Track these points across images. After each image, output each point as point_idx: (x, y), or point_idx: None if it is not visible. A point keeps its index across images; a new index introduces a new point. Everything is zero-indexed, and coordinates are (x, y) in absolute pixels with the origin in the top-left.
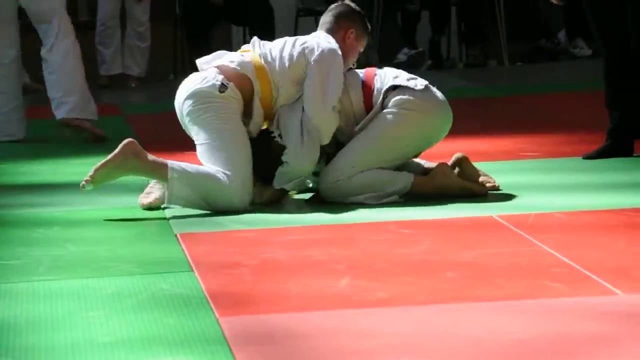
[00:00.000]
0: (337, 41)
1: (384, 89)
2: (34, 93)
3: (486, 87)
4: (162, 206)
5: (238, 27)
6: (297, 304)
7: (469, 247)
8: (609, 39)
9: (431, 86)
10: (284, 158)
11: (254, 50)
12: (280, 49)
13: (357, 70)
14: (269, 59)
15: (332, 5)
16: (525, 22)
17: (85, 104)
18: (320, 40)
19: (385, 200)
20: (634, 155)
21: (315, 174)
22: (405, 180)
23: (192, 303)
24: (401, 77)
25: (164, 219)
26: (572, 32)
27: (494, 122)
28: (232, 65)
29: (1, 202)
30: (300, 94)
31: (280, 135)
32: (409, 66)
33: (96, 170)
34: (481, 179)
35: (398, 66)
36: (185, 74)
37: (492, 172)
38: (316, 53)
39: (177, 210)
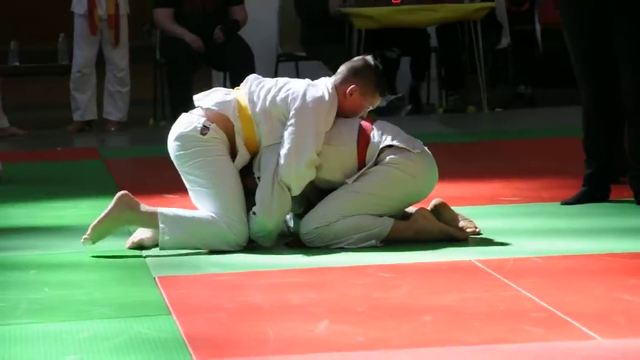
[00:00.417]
0: (340, 93)
1: (382, 145)
2: (13, 137)
3: (465, 133)
4: (145, 252)
5: (219, 72)
6: (275, 348)
7: (447, 291)
8: (588, 86)
9: (425, 148)
10: (254, 209)
11: (244, 88)
12: (268, 89)
13: (353, 121)
14: (255, 97)
15: (354, 58)
16: (505, 68)
17: None
18: (311, 87)
19: (364, 245)
20: (611, 200)
21: (298, 215)
22: (385, 225)
23: (170, 346)
24: (400, 136)
25: (142, 261)
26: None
27: (473, 167)
28: (211, 105)
29: None
30: (277, 132)
31: (259, 178)
32: (389, 111)
33: (93, 228)
34: (461, 223)
35: (378, 111)
36: (165, 119)
37: (471, 217)
38: (298, 102)
39: (155, 252)
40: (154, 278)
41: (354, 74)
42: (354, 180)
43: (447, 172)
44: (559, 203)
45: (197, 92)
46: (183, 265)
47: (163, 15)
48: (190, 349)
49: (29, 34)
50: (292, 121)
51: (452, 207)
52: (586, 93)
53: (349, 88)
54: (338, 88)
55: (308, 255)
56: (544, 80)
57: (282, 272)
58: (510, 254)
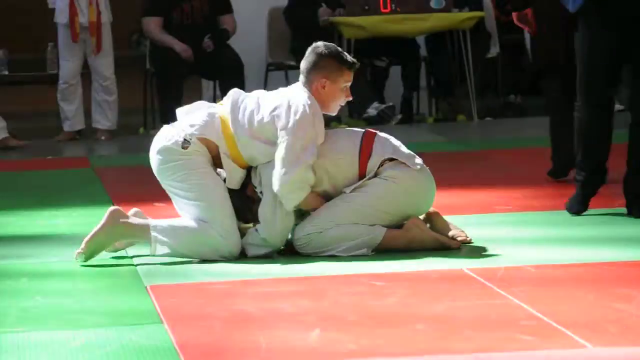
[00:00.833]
0: (314, 94)
1: (383, 158)
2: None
3: (455, 142)
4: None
5: (208, 80)
6: (267, 356)
7: (439, 300)
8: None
9: (424, 165)
10: (258, 227)
11: (227, 105)
12: (250, 112)
13: (356, 133)
14: (239, 120)
15: (306, 54)
16: (494, 77)
17: None
18: (292, 103)
19: (356, 253)
20: (602, 209)
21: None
22: (377, 233)
23: (162, 355)
24: (401, 150)
25: (134, 269)
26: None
27: (464, 177)
28: (194, 131)
29: None
30: (270, 151)
31: (261, 192)
32: (379, 121)
33: (86, 242)
34: (452, 232)
35: (368, 120)
36: (155, 127)
37: (462, 226)
38: (283, 121)
39: (147, 261)
40: (146, 287)
41: (314, 68)
42: (351, 191)
43: (438, 181)
44: (548, 212)
45: (187, 100)
46: (175, 274)
47: (152, 25)
48: (182, 357)
49: (18, 43)
50: (281, 139)
51: (443, 216)
52: (589, 106)
53: (318, 83)
54: (311, 90)
55: (300, 264)
56: (534, 89)
57: (274, 281)
58: (502, 263)
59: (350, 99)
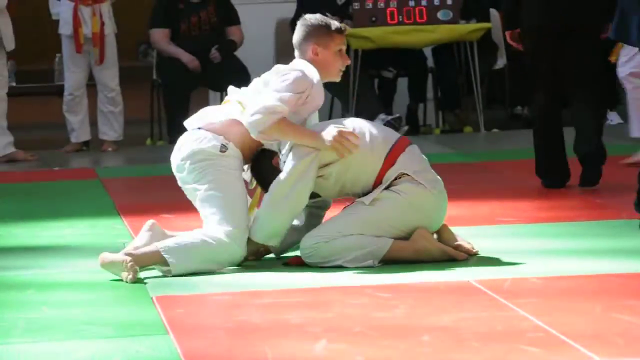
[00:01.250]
0: (310, 62)
1: (402, 171)
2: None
3: (462, 153)
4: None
5: (215, 92)
6: None
7: (445, 312)
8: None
9: (443, 189)
10: (260, 209)
11: (234, 99)
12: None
13: (393, 134)
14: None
15: (295, 29)
16: (501, 89)
17: None
18: (282, 68)
19: (363, 264)
20: (609, 221)
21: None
22: (384, 244)
23: None
24: (424, 173)
25: (141, 281)
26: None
27: (470, 188)
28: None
29: None
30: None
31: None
32: None
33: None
34: (459, 243)
35: None
36: (162, 138)
37: (469, 237)
38: (273, 80)
39: (153, 272)
40: (152, 298)
41: (304, 39)
42: (367, 201)
43: None
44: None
45: (193, 111)
46: (181, 285)
47: (159, 36)
48: None
49: (26, 55)
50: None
51: (450, 228)
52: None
53: (311, 51)
54: (308, 60)
55: (306, 275)
56: None
57: (280, 292)
58: (508, 274)
59: (349, 62)
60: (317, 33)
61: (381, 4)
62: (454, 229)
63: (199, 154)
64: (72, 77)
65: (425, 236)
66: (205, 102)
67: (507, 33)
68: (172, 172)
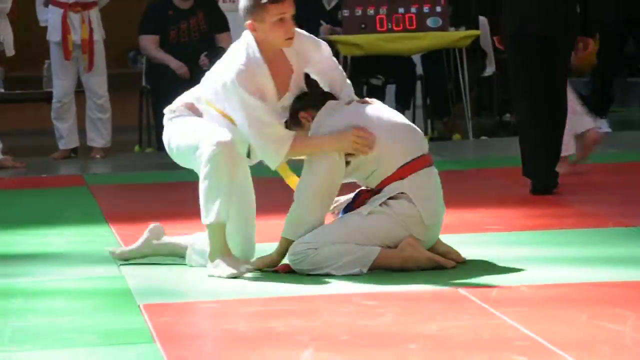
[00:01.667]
0: (254, 38)
1: (407, 192)
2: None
3: (450, 161)
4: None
5: None
6: None
7: (432, 320)
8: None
9: (441, 219)
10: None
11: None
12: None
13: (423, 145)
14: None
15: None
16: (490, 96)
17: None
18: (225, 72)
19: (350, 272)
20: (596, 229)
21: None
22: (372, 251)
23: None
24: (430, 202)
25: (127, 288)
26: None
27: (459, 196)
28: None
29: None
30: None
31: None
32: None
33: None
34: (447, 251)
35: None
36: (151, 145)
37: (457, 245)
38: (223, 91)
39: (140, 279)
40: (139, 305)
41: (244, 20)
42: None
43: None
44: (541, 231)
45: None
46: (168, 293)
47: (149, 42)
48: None
49: (15, 61)
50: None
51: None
52: None
53: (250, 28)
54: (251, 36)
55: (293, 284)
56: None
57: (267, 300)
58: (496, 283)
59: (292, 29)
60: (249, 9)
61: (371, 11)
62: (442, 237)
63: (172, 111)
64: (61, 84)
65: (412, 244)
66: None
67: (495, 38)
68: (160, 180)
